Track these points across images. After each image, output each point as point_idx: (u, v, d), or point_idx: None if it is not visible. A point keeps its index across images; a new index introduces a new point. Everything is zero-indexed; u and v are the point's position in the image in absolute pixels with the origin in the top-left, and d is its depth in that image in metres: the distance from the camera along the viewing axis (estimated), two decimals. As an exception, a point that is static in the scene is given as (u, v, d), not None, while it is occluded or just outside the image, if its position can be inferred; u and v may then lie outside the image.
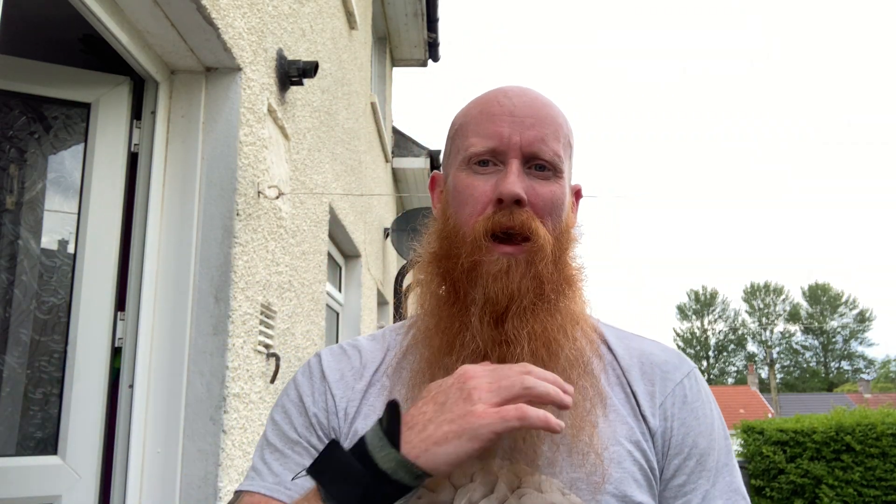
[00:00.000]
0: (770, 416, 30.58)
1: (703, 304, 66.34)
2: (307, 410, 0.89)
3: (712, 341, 65.81)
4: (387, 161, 7.22)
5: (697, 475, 0.84)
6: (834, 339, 62.78)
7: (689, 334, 66.38)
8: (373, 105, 5.93)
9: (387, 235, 6.86)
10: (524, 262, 0.83)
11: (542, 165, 0.86)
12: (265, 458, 0.89)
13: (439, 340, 0.85)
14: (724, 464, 0.86)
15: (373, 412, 0.87)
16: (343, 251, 5.13)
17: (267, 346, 2.61)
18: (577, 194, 0.97)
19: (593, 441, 0.80)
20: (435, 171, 0.99)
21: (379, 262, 6.48)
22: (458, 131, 0.92)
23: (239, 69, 2.36)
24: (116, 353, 2.13)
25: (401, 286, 6.07)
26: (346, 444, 0.84)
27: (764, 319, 65.14)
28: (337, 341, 3.91)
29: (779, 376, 59.77)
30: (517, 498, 0.77)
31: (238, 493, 0.88)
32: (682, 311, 67.21)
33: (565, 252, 0.88)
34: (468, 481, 0.78)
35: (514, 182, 0.83)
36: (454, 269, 0.85)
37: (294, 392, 0.92)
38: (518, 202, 0.83)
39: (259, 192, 2.51)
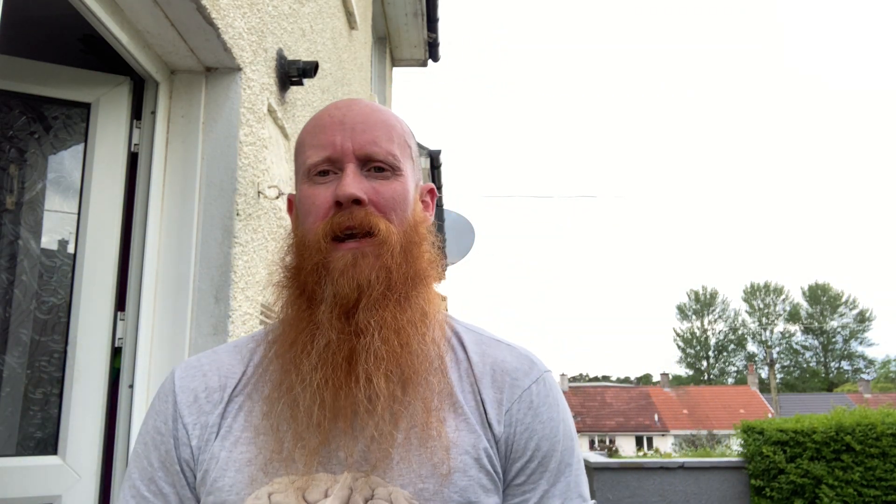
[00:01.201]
0: (770, 416, 30.59)
1: (703, 304, 66.34)
2: (162, 443, 0.89)
3: (712, 341, 65.80)
4: (387, 161, 7.21)
5: (538, 476, 0.86)
6: (834, 339, 62.79)
7: (689, 334, 66.39)
8: (373, 105, 5.92)
9: (387, 235, 6.84)
10: (371, 254, 0.85)
11: (379, 167, 0.89)
12: (125, 494, 0.89)
13: (292, 347, 0.85)
14: (567, 464, 0.88)
15: (229, 433, 0.86)
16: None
17: (267, 346, 2.61)
18: (431, 193, 1.00)
19: (436, 453, 0.81)
20: (290, 193, 1.02)
21: (379, 262, 6.47)
22: (298, 149, 0.95)
23: (239, 69, 2.36)
24: (116, 353, 2.13)
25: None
26: (201, 471, 0.85)
27: (764, 319, 65.15)
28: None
29: (779, 376, 59.76)
30: None
31: None
32: (682, 311, 67.21)
33: (415, 246, 0.89)
34: (322, 496, 0.79)
35: (350, 184, 0.86)
36: (302, 275, 0.87)
37: (151, 419, 0.92)
38: (357, 202, 0.86)
39: (259, 192, 2.51)
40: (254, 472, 0.82)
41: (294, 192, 0.98)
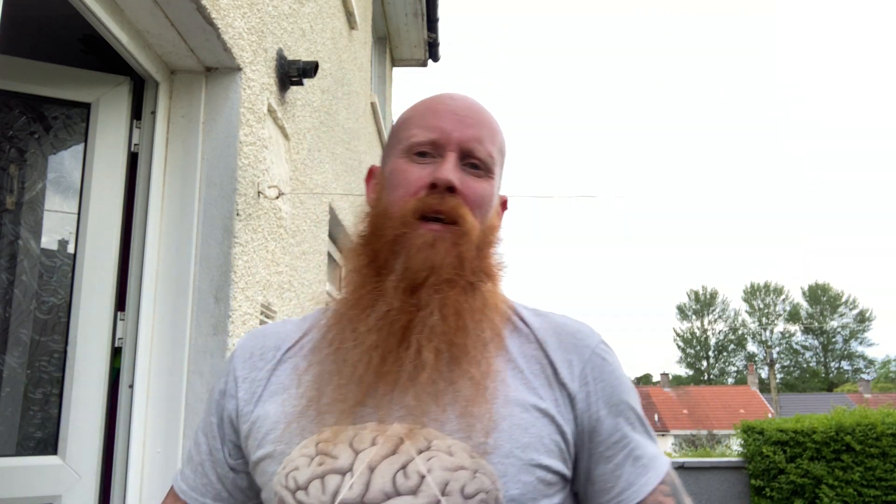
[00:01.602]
0: (770, 416, 30.59)
1: (703, 304, 66.35)
2: (213, 397, 0.95)
3: (712, 341, 65.82)
4: (387, 161, 7.21)
5: (628, 429, 0.87)
6: (834, 339, 62.80)
7: (689, 334, 66.40)
8: (373, 105, 5.93)
9: (387, 235, 6.85)
10: (450, 240, 0.86)
11: (475, 164, 0.91)
12: (190, 450, 0.98)
13: (353, 308, 0.87)
14: (643, 417, 0.91)
15: (281, 389, 0.88)
16: (343, 251, 5.13)
17: (267, 346, 2.61)
18: (504, 204, 1.02)
19: (493, 409, 0.81)
20: (373, 164, 1.04)
21: (379, 262, 6.47)
22: (401, 125, 0.97)
23: (239, 69, 2.36)
24: (116, 353, 2.13)
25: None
26: (247, 424, 0.89)
27: (764, 319, 65.17)
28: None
29: (779, 376, 59.78)
30: (424, 460, 0.77)
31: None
32: (682, 311, 67.23)
33: (489, 246, 0.92)
34: (369, 445, 0.80)
35: (450, 170, 0.88)
36: (378, 243, 0.89)
37: (218, 380, 0.98)
38: (451, 189, 0.87)
39: (259, 192, 2.51)
40: (303, 423, 0.83)
41: (377, 166, 1.01)
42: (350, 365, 0.83)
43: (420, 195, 0.88)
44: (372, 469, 0.78)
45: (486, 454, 0.78)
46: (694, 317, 66.69)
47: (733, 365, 65.91)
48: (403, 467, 0.78)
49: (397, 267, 0.85)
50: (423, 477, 0.77)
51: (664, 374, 52.30)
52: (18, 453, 2.02)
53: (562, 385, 0.86)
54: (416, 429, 0.80)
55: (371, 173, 1.02)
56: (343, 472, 0.78)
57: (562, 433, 0.83)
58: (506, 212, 1.02)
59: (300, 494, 0.79)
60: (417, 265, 0.84)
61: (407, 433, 0.79)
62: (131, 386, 2.10)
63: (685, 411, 45.98)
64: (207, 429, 0.94)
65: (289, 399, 0.87)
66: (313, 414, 0.83)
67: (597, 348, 0.91)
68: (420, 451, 0.78)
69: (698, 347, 65.84)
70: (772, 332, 65.04)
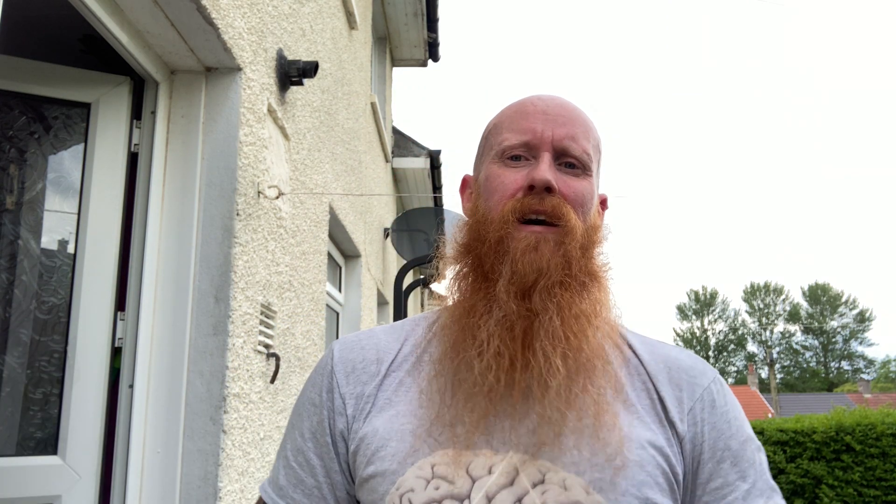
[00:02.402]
0: (770, 416, 30.58)
1: (703, 304, 66.36)
2: (315, 413, 0.90)
3: (712, 341, 65.82)
4: (387, 161, 7.22)
5: (735, 476, 0.84)
6: (834, 339, 62.80)
7: (689, 334, 66.40)
8: (373, 105, 5.93)
9: (387, 235, 6.86)
10: (553, 241, 0.84)
11: (571, 163, 0.89)
12: (278, 464, 0.92)
13: (467, 315, 0.84)
14: (760, 462, 0.87)
15: (389, 405, 0.86)
16: (343, 251, 5.13)
17: (267, 347, 2.61)
18: (603, 203, 0.99)
19: (611, 443, 0.79)
20: (466, 174, 1.01)
21: (379, 263, 6.48)
22: (492, 130, 0.95)
23: (239, 69, 2.36)
24: (116, 353, 2.13)
25: (401, 286, 6.07)
26: (355, 441, 0.85)
27: (764, 319, 65.17)
28: (337, 341, 3.90)
29: (779, 376, 59.79)
30: (539, 493, 0.76)
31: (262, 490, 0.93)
32: (682, 311, 67.23)
33: (592, 245, 0.89)
34: (486, 473, 0.78)
35: (546, 170, 0.86)
36: (481, 249, 0.86)
37: (307, 391, 0.93)
38: (549, 189, 0.85)
39: (259, 192, 2.51)
40: (416, 442, 0.81)
41: (471, 175, 0.99)
42: (478, 373, 0.80)
43: (518, 196, 0.86)
44: (489, 499, 0.77)
45: (602, 490, 0.77)
46: (694, 317, 66.69)
47: (733, 365, 65.91)
48: (519, 500, 0.76)
49: (504, 271, 0.83)
50: None
51: (664, 374, 52.13)
52: (18, 453, 2.02)
53: (671, 423, 0.84)
54: (531, 460, 0.78)
55: (465, 183, 1.00)
56: (461, 499, 0.77)
57: (674, 472, 0.82)
58: (606, 210, 0.99)
59: None
60: (524, 269, 0.82)
61: (522, 464, 0.78)
62: (131, 386, 2.10)
63: (685, 411, 45.89)
64: (320, 449, 0.88)
65: (398, 416, 0.84)
66: (427, 434, 0.81)
67: (710, 387, 0.88)
68: (535, 485, 0.77)
69: (698, 347, 65.83)
70: (772, 332, 65.05)
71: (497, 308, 0.81)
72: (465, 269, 0.89)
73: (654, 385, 0.87)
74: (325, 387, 0.91)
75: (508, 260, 0.83)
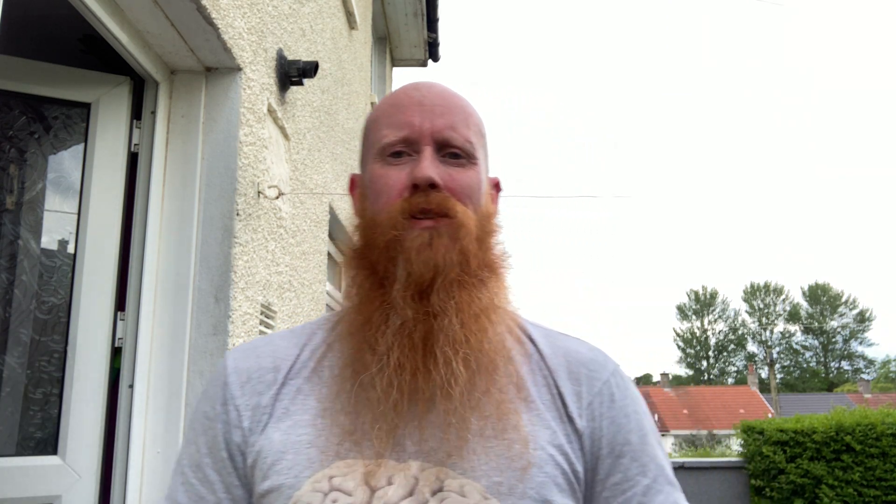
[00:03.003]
0: (770, 416, 30.59)
1: (703, 304, 66.35)
2: (210, 427, 0.86)
3: (712, 341, 65.82)
4: (387, 161, 7.21)
5: (635, 471, 0.83)
6: (834, 339, 62.80)
7: (689, 334, 66.40)
8: (373, 105, 5.93)
9: (387, 235, 6.85)
10: (447, 235, 0.81)
11: (455, 153, 0.86)
12: (175, 480, 0.88)
13: (364, 327, 0.82)
14: (659, 456, 0.86)
15: (286, 415, 0.83)
16: (343, 251, 5.13)
17: (267, 346, 2.61)
18: (497, 187, 0.96)
19: (511, 446, 0.78)
20: (353, 173, 0.98)
21: (379, 262, 6.47)
22: (370, 127, 0.92)
23: (239, 69, 2.36)
24: (116, 353, 2.13)
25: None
26: (253, 454, 0.82)
27: (764, 319, 65.16)
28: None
29: (779, 376, 59.78)
30: (438, 502, 0.75)
31: None
32: (682, 311, 67.23)
33: (488, 236, 0.87)
34: (386, 483, 0.76)
35: (428, 166, 0.83)
36: (373, 254, 0.84)
37: (201, 404, 0.90)
38: (433, 185, 0.82)
39: (259, 192, 2.51)
40: (314, 454, 0.79)
41: (359, 173, 0.95)
42: (381, 390, 0.78)
43: (404, 197, 0.83)
44: None
45: (500, 494, 0.76)
46: (694, 317, 66.71)
47: (733, 365, 65.93)
48: None
49: (399, 274, 0.80)
50: None
51: (664, 374, 52.31)
52: (18, 453, 2.02)
53: (570, 419, 0.83)
54: (429, 467, 0.77)
55: (353, 183, 0.97)
56: None
57: (574, 471, 0.81)
58: (500, 193, 0.97)
59: None
60: (420, 268, 0.80)
61: (421, 472, 0.77)
62: (131, 386, 2.10)
63: (685, 411, 45.98)
64: (218, 465, 0.85)
65: (295, 427, 0.81)
66: (325, 445, 0.79)
67: (609, 381, 0.87)
68: (434, 493, 0.76)
69: (698, 347, 65.85)
70: (772, 332, 65.06)
71: (394, 316, 0.79)
72: (359, 278, 0.86)
73: (554, 380, 0.85)
74: (218, 399, 0.87)
75: (402, 261, 0.80)
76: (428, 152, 0.85)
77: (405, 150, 0.86)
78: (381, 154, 0.87)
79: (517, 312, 0.92)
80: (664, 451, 0.88)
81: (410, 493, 0.76)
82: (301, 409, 0.83)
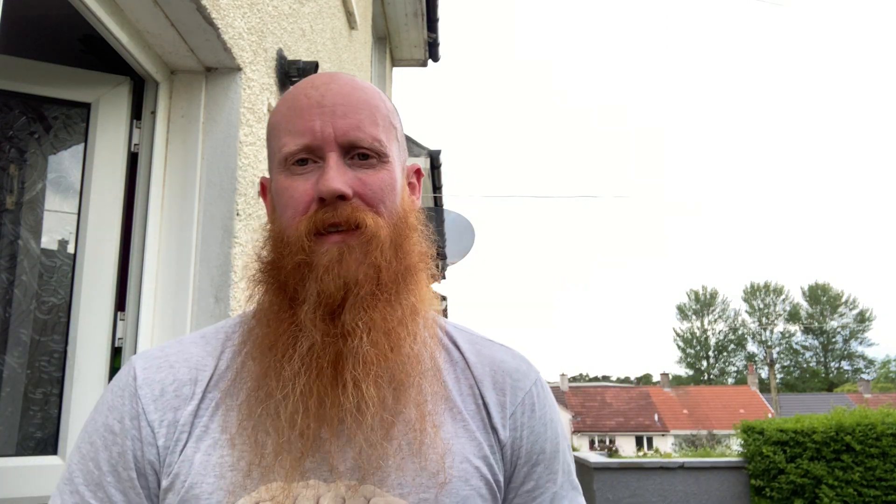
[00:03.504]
0: (770, 416, 30.59)
1: (703, 304, 66.36)
2: (115, 443, 0.80)
3: (712, 341, 65.82)
4: (387, 161, 7.22)
5: (545, 479, 0.84)
6: (834, 339, 62.80)
7: (689, 334, 66.40)
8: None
9: (387, 235, 6.85)
10: (358, 249, 0.78)
11: (364, 154, 0.81)
12: (65, 500, 0.79)
13: (271, 350, 0.78)
14: (568, 463, 0.88)
15: (206, 434, 0.79)
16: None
17: (267, 346, 2.61)
18: (417, 174, 0.93)
19: (435, 461, 0.77)
20: (263, 176, 0.94)
21: (379, 262, 6.47)
22: (271, 132, 0.86)
23: (239, 69, 2.36)
24: (116, 353, 2.13)
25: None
26: (169, 475, 0.77)
27: (764, 319, 65.15)
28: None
29: (779, 376, 59.78)
30: None
31: None
32: (682, 311, 67.22)
33: (405, 240, 0.83)
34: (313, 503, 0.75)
35: (334, 177, 0.78)
36: (283, 274, 0.80)
37: (102, 416, 0.82)
38: (341, 197, 0.78)
39: (259, 192, 2.51)
40: (237, 478, 0.75)
41: (267, 177, 0.90)
42: (286, 419, 0.75)
43: (311, 212, 0.79)
44: None
45: None
46: (694, 317, 66.72)
47: (733, 365, 65.94)
48: None
49: (309, 293, 0.76)
50: None
51: (664, 374, 52.32)
52: (18, 453, 2.02)
53: (493, 429, 0.83)
54: (355, 486, 0.75)
55: (263, 188, 0.91)
56: None
57: (496, 480, 0.81)
58: (422, 179, 0.93)
59: None
60: (330, 286, 0.76)
61: (347, 490, 0.75)
62: (131, 386, 2.10)
63: (685, 411, 45.98)
64: (123, 484, 0.78)
65: (215, 447, 0.77)
66: (246, 468, 0.75)
67: (531, 390, 0.86)
68: None
69: (698, 347, 65.85)
70: (772, 332, 65.05)
71: (303, 339, 0.76)
72: (268, 295, 0.82)
73: (479, 389, 0.84)
74: (126, 412, 0.80)
75: (312, 279, 0.77)
76: (333, 159, 0.79)
77: (309, 157, 0.81)
78: (284, 164, 0.82)
79: (440, 317, 0.90)
80: (570, 454, 0.90)
81: None
82: (220, 428, 0.79)
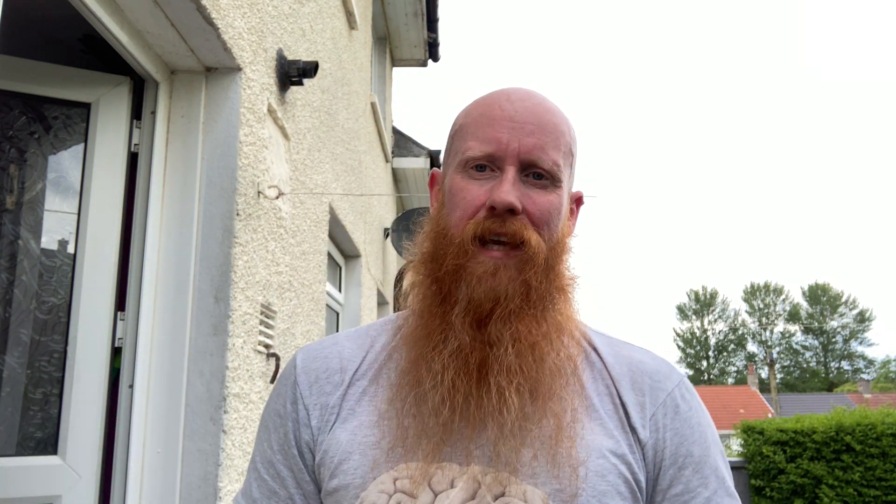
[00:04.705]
0: (770, 416, 30.58)
1: (703, 304, 66.35)
2: (281, 425, 0.89)
3: (712, 341, 65.83)
4: (387, 161, 7.22)
5: (696, 483, 0.83)
6: (834, 339, 62.81)
7: (689, 334, 66.40)
8: (373, 105, 5.93)
9: (387, 235, 6.86)
10: (514, 267, 0.82)
11: (539, 174, 0.84)
12: (249, 476, 0.91)
13: (423, 341, 0.83)
14: (720, 468, 0.86)
15: (352, 416, 0.85)
16: (343, 251, 5.13)
17: (267, 346, 2.61)
18: (578, 201, 0.95)
19: (572, 454, 0.78)
20: (435, 168, 0.98)
21: (379, 262, 6.48)
22: (458, 132, 0.90)
23: (239, 69, 2.36)
24: (116, 353, 2.13)
25: (400, 287, 6.08)
26: (320, 453, 0.85)
27: (764, 319, 65.17)
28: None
29: (779, 376, 59.80)
30: None
31: None
32: (682, 311, 67.23)
33: (558, 262, 0.86)
34: (448, 487, 0.78)
35: (509, 190, 0.81)
36: (440, 271, 0.84)
37: (273, 402, 0.92)
38: (511, 211, 0.81)
39: (259, 192, 2.51)
40: (378, 456, 0.81)
41: (440, 171, 0.95)
42: (432, 408, 0.79)
43: (479, 217, 0.82)
44: None
45: (562, 501, 0.77)
46: (694, 317, 66.71)
47: (733, 365, 65.94)
48: None
49: (461, 297, 0.81)
50: None
51: (664, 374, 52.19)
52: (18, 453, 2.02)
53: (633, 429, 0.83)
54: (491, 472, 0.78)
55: (433, 179, 0.96)
56: None
57: (636, 480, 0.81)
58: (581, 207, 0.96)
59: None
60: (481, 296, 0.80)
61: (483, 477, 0.78)
62: (131, 386, 2.10)
63: (685, 411, 45.92)
64: (289, 461, 0.88)
65: (360, 428, 0.83)
66: (389, 447, 0.81)
67: (673, 392, 0.87)
68: (496, 497, 0.77)
69: (698, 347, 65.85)
70: (772, 332, 65.06)
71: (452, 337, 0.80)
72: (424, 287, 0.86)
73: (616, 390, 0.85)
74: (289, 398, 0.90)
75: (465, 286, 0.81)
76: (511, 173, 0.83)
77: (489, 164, 0.84)
78: (464, 166, 0.86)
79: (583, 324, 0.92)
80: (727, 463, 0.89)
81: (472, 497, 0.77)
82: (367, 410, 0.85)
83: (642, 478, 0.82)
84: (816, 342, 63.74)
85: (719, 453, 0.87)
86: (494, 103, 0.87)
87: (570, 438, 0.80)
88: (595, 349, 0.90)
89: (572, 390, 0.84)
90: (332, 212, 4.03)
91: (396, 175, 7.97)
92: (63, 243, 2.20)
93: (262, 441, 0.91)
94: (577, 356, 0.87)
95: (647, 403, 0.85)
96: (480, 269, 0.81)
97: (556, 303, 0.85)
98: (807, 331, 63.52)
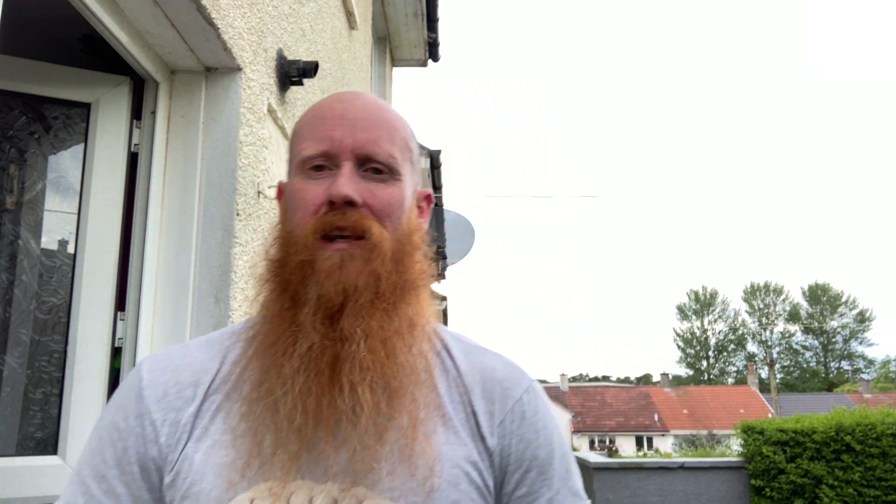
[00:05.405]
0: (770, 416, 30.60)
1: (703, 304, 66.37)
2: (119, 439, 0.84)
3: (712, 341, 65.83)
4: (387, 161, 7.22)
5: (540, 484, 0.85)
6: (834, 339, 62.81)
7: (689, 334, 66.41)
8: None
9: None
10: (360, 258, 0.81)
11: (377, 168, 0.85)
12: (75, 490, 0.85)
13: (273, 347, 0.81)
14: (566, 469, 0.88)
15: (206, 435, 0.82)
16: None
17: (267, 346, 2.61)
18: (427, 199, 0.96)
19: (427, 453, 0.79)
20: (281, 180, 0.97)
21: (379, 262, 6.47)
22: (293, 139, 0.91)
23: (239, 69, 2.36)
24: (116, 353, 2.13)
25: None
26: (171, 473, 0.81)
27: (764, 319, 65.17)
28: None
29: (779, 376, 59.79)
30: None
31: None
32: (682, 311, 67.23)
33: (407, 256, 0.86)
34: None
35: (345, 183, 0.82)
36: (286, 272, 0.83)
37: (111, 414, 0.87)
38: (351, 203, 0.82)
39: (259, 192, 2.51)
40: (233, 476, 0.78)
41: (285, 181, 0.94)
42: (285, 414, 0.77)
43: (319, 214, 0.82)
44: None
45: None
46: (694, 317, 66.73)
47: (733, 365, 65.96)
48: None
49: (310, 296, 0.80)
50: None
51: (664, 374, 52.37)
52: (18, 453, 2.02)
53: (482, 437, 0.84)
54: (348, 488, 0.77)
55: (279, 191, 0.95)
56: None
57: (487, 486, 0.82)
58: (431, 206, 0.96)
59: None
60: (330, 291, 0.79)
61: (340, 492, 0.77)
62: (131, 386, 2.10)
63: (685, 411, 45.99)
64: (126, 478, 0.83)
65: (215, 447, 0.80)
66: (244, 465, 0.78)
67: (522, 398, 0.87)
68: None
69: (698, 347, 65.86)
70: (772, 332, 65.07)
71: (303, 338, 0.79)
72: (272, 294, 0.85)
73: (469, 398, 0.86)
74: (131, 412, 0.85)
75: (313, 283, 0.80)
76: (347, 168, 0.83)
77: (325, 163, 0.85)
78: (302, 167, 0.86)
79: (438, 327, 0.92)
80: (574, 464, 0.90)
81: None
82: (221, 428, 0.82)
83: (491, 483, 0.83)
84: (816, 342, 63.75)
85: (562, 455, 0.88)
86: (325, 105, 0.89)
87: (425, 436, 0.80)
88: (450, 354, 0.90)
89: (426, 390, 0.84)
90: (332, 212, 4.02)
91: (396, 175, 7.96)
92: (63, 243, 2.20)
93: (94, 453, 0.86)
94: (429, 353, 0.87)
95: (496, 411, 0.86)
96: (328, 263, 0.80)
97: (407, 298, 0.84)
98: (807, 331, 63.53)
